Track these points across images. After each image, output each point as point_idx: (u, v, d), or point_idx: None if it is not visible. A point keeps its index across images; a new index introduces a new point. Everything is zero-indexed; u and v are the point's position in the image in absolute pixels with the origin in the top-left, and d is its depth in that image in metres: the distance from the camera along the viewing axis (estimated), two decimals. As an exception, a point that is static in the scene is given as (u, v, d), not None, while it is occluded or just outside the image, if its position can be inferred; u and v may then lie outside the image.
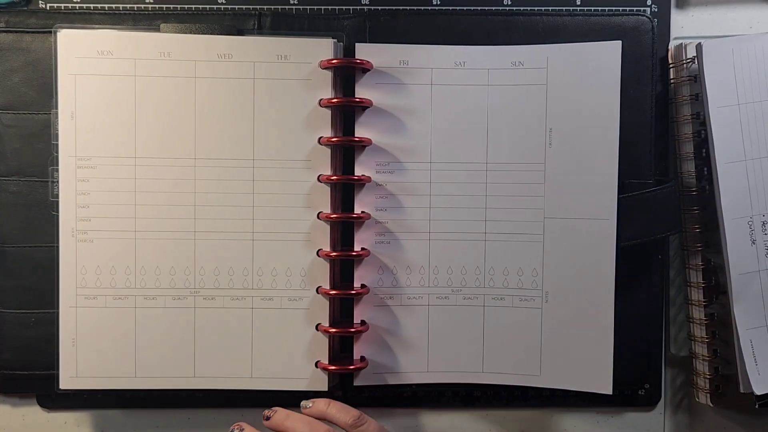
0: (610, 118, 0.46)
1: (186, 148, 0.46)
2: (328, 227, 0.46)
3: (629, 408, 0.50)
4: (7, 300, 0.47)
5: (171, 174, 0.46)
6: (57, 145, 0.46)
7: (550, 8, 0.48)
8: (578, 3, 0.49)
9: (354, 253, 0.46)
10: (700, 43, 0.46)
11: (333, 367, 0.45)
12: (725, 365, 0.49)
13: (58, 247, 0.46)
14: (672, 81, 0.49)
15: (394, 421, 0.50)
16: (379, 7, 0.49)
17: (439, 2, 0.49)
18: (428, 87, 0.47)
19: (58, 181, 0.46)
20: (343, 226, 0.47)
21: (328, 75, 0.46)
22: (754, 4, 0.50)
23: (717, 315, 0.48)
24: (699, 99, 0.47)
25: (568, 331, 0.47)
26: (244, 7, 0.48)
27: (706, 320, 0.48)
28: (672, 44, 0.49)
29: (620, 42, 0.46)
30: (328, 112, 0.46)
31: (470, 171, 0.47)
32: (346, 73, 0.47)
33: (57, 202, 0.46)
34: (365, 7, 0.49)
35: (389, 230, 0.47)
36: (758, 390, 0.46)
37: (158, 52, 0.45)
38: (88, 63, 0.45)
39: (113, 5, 0.48)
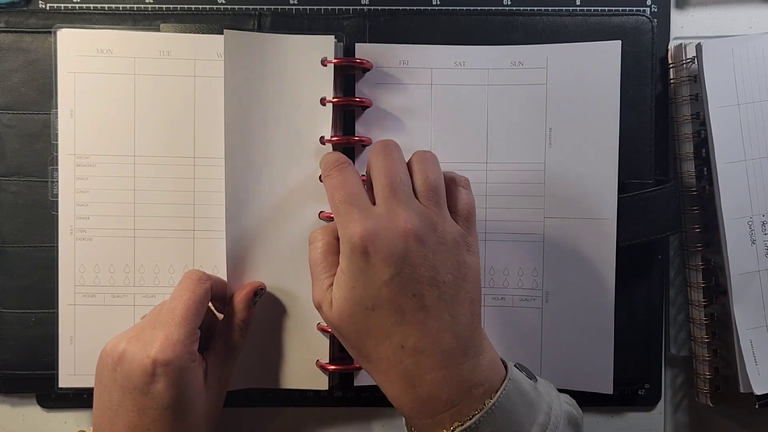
0: (610, 118, 0.46)
1: (185, 147, 0.46)
2: (328, 227, 0.46)
3: (629, 408, 0.50)
4: (7, 300, 0.47)
5: (170, 173, 0.46)
6: (57, 145, 0.46)
7: (550, 8, 0.48)
8: (578, 3, 0.49)
9: (354, 253, 0.46)
10: (700, 43, 0.46)
11: (333, 367, 0.45)
12: (725, 365, 0.48)
13: (57, 245, 0.46)
14: (672, 81, 0.49)
15: (394, 421, 0.50)
16: (379, 7, 0.49)
17: (439, 2, 0.49)
18: (428, 87, 0.47)
19: (57, 181, 0.46)
20: (343, 226, 0.47)
21: (329, 74, 0.46)
22: (754, 4, 0.50)
23: (717, 315, 0.48)
24: (699, 99, 0.47)
25: (568, 331, 0.47)
26: (244, 7, 0.48)
27: (706, 320, 0.48)
28: (672, 44, 0.49)
29: (620, 42, 0.46)
30: (328, 112, 0.46)
31: (470, 171, 0.47)
32: (346, 73, 0.47)
33: (57, 202, 0.46)
34: (365, 7, 0.49)
35: (389, 230, 0.47)
36: (758, 390, 0.46)
37: (158, 50, 0.46)
38: (87, 61, 0.45)
39: (113, 5, 0.48)
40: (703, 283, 0.48)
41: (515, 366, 0.37)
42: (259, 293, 0.44)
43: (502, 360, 0.37)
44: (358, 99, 0.46)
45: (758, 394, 0.46)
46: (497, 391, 0.34)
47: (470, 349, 0.35)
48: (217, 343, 0.42)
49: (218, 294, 0.43)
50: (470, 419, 0.34)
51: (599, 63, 0.46)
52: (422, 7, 0.49)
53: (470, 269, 0.37)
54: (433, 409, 0.35)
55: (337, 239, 0.38)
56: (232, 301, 0.43)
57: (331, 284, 0.37)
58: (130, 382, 0.37)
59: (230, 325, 0.42)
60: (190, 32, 0.46)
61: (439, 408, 0.34)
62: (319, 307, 0.38)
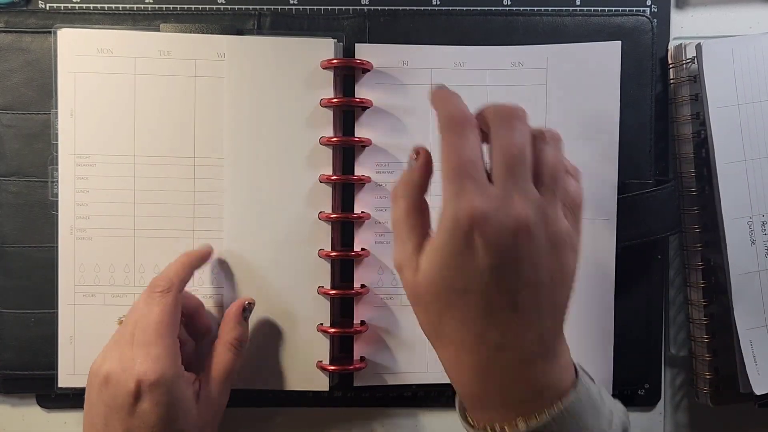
0: (610, 118, 0.46)
1: (185, 147, 0.46)
2: (329, 227, 0.46)
3: (629, 408, 0.49)
4: (7, 300, 0.47)
5: (170, 172, 0.46)
6: (57, 145, 0.46)
7: (550, 8, 0.48)
8: (578, 3, 0.49)
9: (354, 253, 0.46)
10: (699, 44, 0.46)
11: (333, 367, 0.45)
12: (725, 365, 0.48)
13: (57, 245, 0.46)
14: (672, 81, 0.49)
15: (394, 421, 0.50)
16: (379, 7, 0.49)
17: (439, 2, 0.49)
18: (428, 87, 0.47)
19: (57, 181, 0.46)
20: (343, 226, 0.47)
21: (329, 75, 0.46)
22: (754, 4, 0.50)
23: (717, 315, 0.48)
24: (699, 99, 0.47)
25: (568, 331, 0.46)
26: (244, 7, 0.48)
27: (705, 320, 0.48)
28: (672, 44, 0.49)
29: (620, 42, 0.46)
30: (328, 112, 0.46)
31: (470, 171, 0.47)
32: (346, 73, 0.47)
33: (57, 202, 0.46)
34: (365, 7, 0.49)
35: (389, 230, 0.47)
36: (758, 390, 0.46)
37: (158, 50, 0.45)
38: (87, 61, 0.45)
39: (113, 5, 0.48)
40: (703, 283, 0.48)
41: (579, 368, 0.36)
42: (249, 308, 0.44)
43: (573, 363, 0.36)
44: (358, 99, 0.46)
45: (758, 394, 0.46)
46: (567, 394, 0.33)
47: (550, 352, 0.34)
48: (210, 362, 0.42)
49: (187, 302, 0.44)
50: (536, 419, 0.32)
51: (599, 63, 0.46)
52: (422, 7, 0.49)
53: (569, 273, 0.34)
54: (499, 403, 0.33)
55: (420, 196, 0.35)
56: (223, 320, 0.44)
57: (416, 248, 0.34)
58: (116, 402, 0.37)
59: (223, 344, 0.43)
60: (190, 32, 0.46)
61: (506, 403, 0.33)
62: (400, 270, 0.35)
